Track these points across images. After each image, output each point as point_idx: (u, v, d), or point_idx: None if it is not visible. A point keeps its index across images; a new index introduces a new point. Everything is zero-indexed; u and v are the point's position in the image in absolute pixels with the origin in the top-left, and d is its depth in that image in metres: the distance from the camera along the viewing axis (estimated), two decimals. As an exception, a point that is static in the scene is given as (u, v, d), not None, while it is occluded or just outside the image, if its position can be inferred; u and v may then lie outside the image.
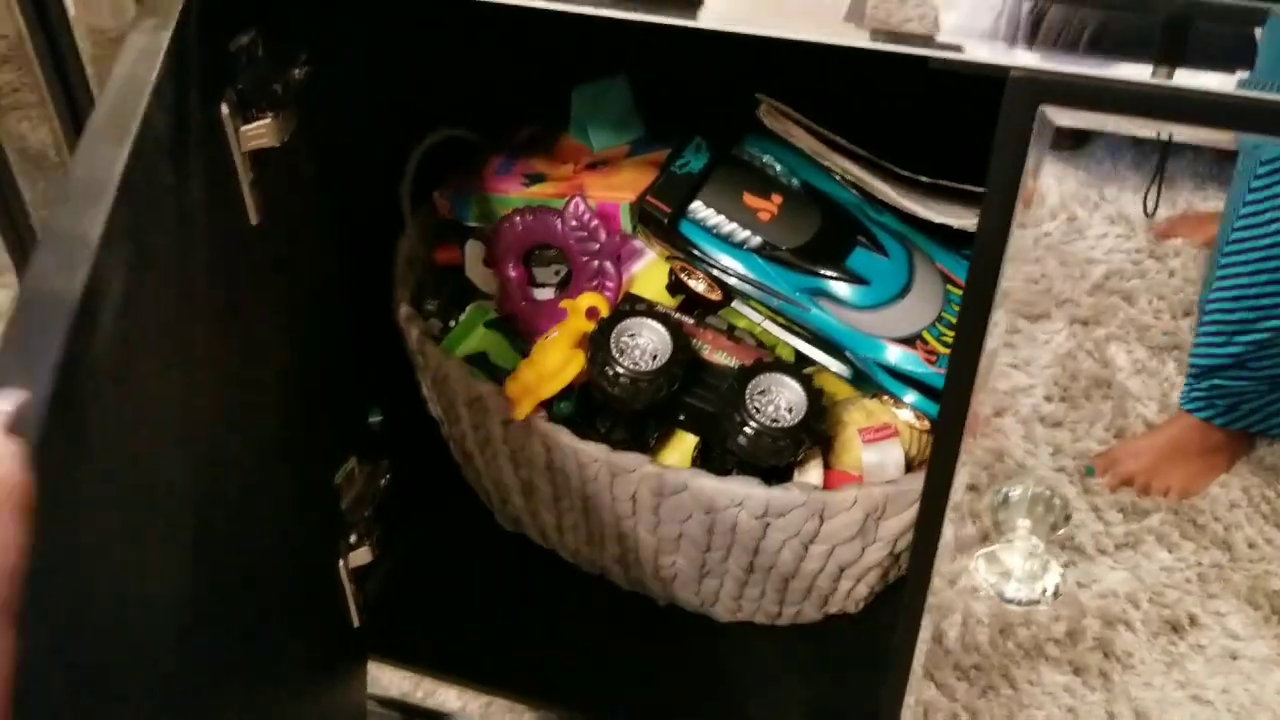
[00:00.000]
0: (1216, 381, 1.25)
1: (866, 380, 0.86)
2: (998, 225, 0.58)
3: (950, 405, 0.64)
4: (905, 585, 0.70)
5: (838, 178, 0.89)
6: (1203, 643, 1.17)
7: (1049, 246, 1.52)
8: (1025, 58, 0.54)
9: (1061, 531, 0.72)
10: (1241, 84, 0.52)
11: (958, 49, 0.55)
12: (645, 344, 0.82)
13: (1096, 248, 1.52)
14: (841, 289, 0.84)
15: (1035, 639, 1.15)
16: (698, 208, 0.86)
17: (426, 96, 1.01)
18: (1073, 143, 1.65)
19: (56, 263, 0.48)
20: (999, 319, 0.59)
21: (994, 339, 0.59)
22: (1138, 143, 1.62)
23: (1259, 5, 0.54)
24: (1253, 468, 1.31)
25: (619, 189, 0.93)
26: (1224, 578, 1.22)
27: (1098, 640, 1.16)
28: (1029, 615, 1.15)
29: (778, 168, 0.89)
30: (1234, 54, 0.54)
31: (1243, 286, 1.18)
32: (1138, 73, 0.53)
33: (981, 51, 0.55)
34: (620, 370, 0.80)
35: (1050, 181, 1.59)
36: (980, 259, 0.59)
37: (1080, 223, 1.55)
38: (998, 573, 0.69)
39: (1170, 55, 0.54)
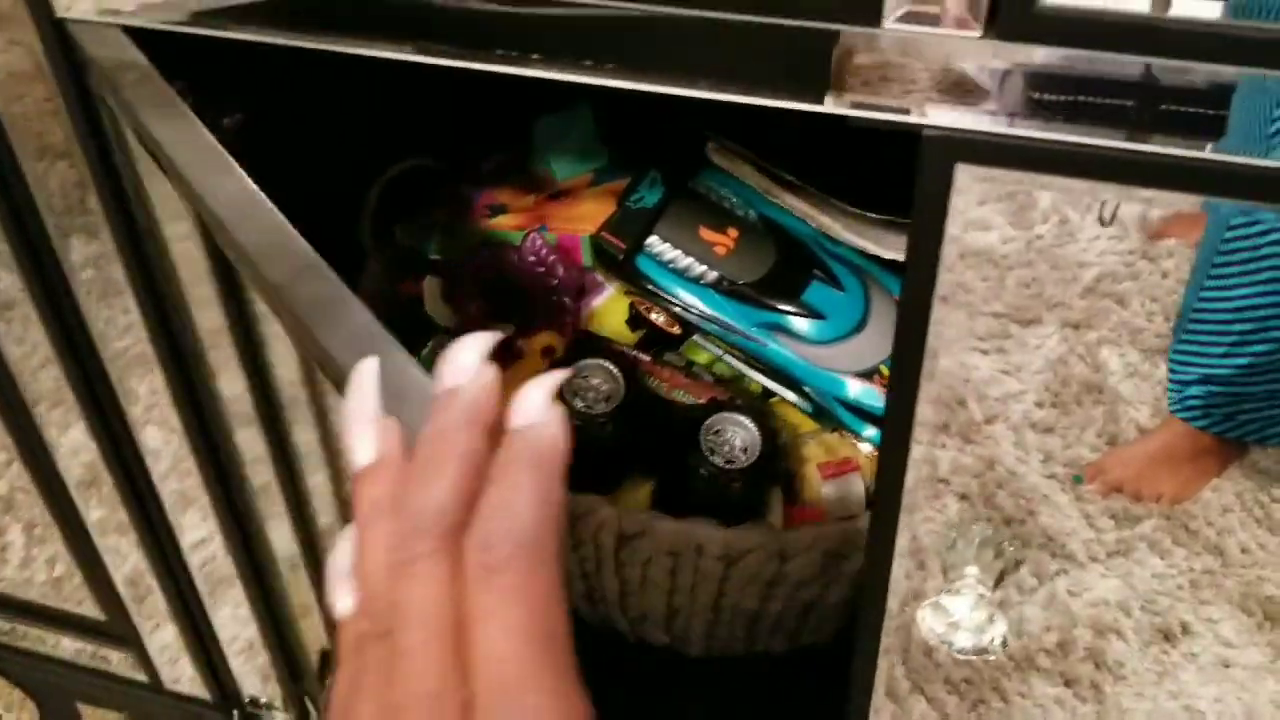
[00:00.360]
0: (1214, 389, 1.23)
1: (827, 414, 0.85)
2: (924, 279, 0.57)
3: (888, 458, 0.63)
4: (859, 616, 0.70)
5: (793, 211, 0.88)
6: (1195, 651, 1.15)
7: (1040, 250, 1.49)
8: (940, 116, 0.53)
9: (1011, 577, 0.71)
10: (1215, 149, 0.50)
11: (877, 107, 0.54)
12: (599, 385, 0.81)
13: (1089, 250, 1.49)
14: (799, 323, 0.83)
15: (1026, 650, 1.14)
16: (654, 242, 0.85)
17: (389, 128, 1.00)
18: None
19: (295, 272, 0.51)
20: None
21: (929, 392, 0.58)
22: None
23: (1222, 67, 0.51)
24: (1245, 472, 1.29)
25: (580, 220, 0.92)
26: (1216, 584, 1.20)
27: (1089, 650, 1.15)
28: (1020, 627, 1.14)
29: (734, 200, 0.87)
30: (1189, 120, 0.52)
31: (1242, 296, 1.16)
32: (1071, 132, 0.52)
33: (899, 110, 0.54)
34: (573, 412, 0.80)
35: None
36: (907, 311, 0.58)
37: (1072, 225, 1.52)
38: (945, 623, 0.68)
39: (1138, 120, 0.52)
